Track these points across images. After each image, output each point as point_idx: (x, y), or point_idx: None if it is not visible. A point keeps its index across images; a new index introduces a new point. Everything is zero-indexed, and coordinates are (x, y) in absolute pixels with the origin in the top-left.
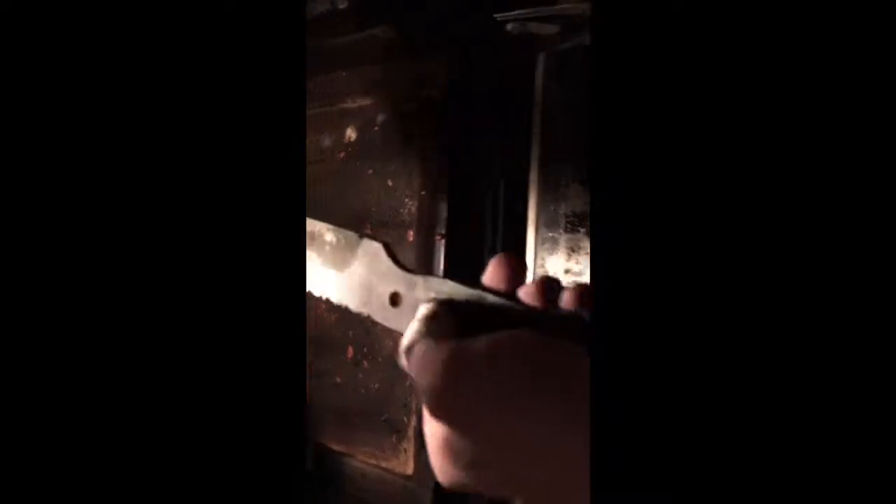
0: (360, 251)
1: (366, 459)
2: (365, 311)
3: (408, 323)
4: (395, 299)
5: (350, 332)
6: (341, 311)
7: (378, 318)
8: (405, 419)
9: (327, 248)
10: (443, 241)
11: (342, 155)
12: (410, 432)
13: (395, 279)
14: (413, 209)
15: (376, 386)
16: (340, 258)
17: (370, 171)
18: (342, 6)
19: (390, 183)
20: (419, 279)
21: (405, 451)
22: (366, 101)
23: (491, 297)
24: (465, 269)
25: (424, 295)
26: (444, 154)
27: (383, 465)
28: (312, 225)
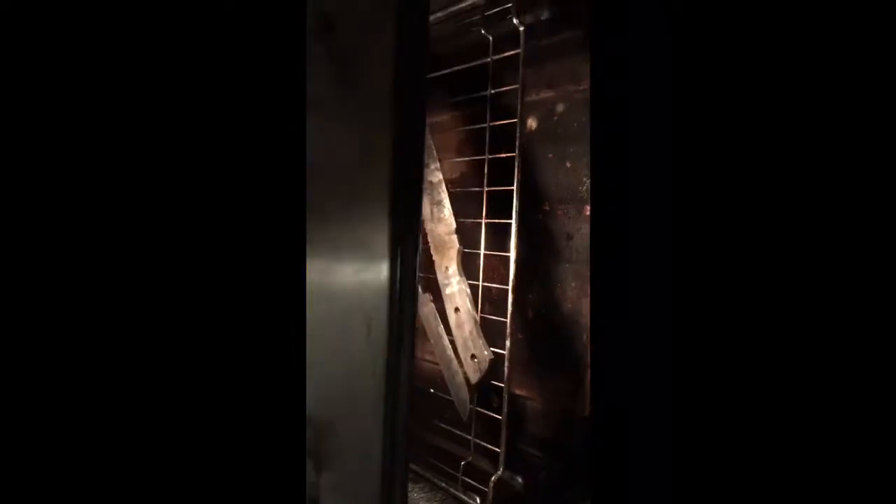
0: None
1: (548, 404)
2: None
3: None
4: None
5: (529, 296)
6: (520, 279)
7: None
8: (579, 370)
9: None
10: None
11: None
12: (587, 381)
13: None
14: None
15: (555, 340)
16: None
17: (550, 156)
18: (544, 17)
19: (569, 164)
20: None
21: (583, 395)
22: (548, 94)
23: None
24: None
25: None
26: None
27: (564, 408)
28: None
